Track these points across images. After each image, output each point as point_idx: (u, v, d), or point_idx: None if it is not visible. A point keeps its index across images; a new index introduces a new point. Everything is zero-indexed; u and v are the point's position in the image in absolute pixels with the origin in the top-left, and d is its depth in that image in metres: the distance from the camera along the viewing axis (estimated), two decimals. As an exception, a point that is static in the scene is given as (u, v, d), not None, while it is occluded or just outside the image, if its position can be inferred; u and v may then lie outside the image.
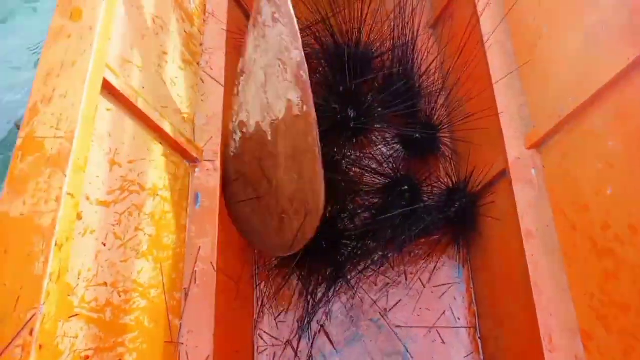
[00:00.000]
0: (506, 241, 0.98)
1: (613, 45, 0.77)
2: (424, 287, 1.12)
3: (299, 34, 0.96)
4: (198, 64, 1.09)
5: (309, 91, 0.96)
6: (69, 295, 0.61)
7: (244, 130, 1.00)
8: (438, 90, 1.24)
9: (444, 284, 1.12)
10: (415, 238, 1.09)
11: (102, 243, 0.68)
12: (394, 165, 1.17)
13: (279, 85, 0.97)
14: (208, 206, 0.93)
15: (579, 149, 0.85)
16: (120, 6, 0.82)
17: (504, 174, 1.00)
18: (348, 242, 1.10)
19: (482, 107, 1.09)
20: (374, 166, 1.18)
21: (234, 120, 1.02)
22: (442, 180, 1.15)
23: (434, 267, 1.14)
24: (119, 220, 0.72)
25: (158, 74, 0.93)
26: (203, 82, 1.08)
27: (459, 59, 1.22)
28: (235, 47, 1.25)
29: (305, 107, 0.95)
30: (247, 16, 1.37)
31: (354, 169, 1.18)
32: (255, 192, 1.00)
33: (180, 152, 0.93)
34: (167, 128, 0.87)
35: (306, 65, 0.96)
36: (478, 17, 1.14)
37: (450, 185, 1.11)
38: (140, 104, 0.81)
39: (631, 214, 0.72)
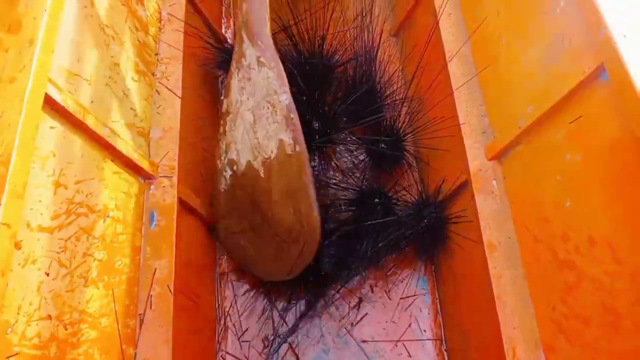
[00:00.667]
0: (469, 252, 0.98)
1: (571, 57, 0.78)
2: (390, 299, 1.11)
3: (285, 77, 0.99)
4: (153, 74, 1.05)
5: (300, 131, 0.98)
6: (7, 334, 0.56)
7: (234, 168, 1.00)
8: (401, 100, 1.23)
9: (409, 296, 1.11)
10: (385, 253, 1.08)
11: (45, 273, 0.63)
12: (362, 177, 1.16)
13: (269, 127, 0.98)
14: (164, 225, 0.89)
15: (539, 161, 0.85)
16: (66, 16, 0.77)
17: (466, 184, 1.00)
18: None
19: (444, 118, 1.09)
20: (338, 179, 1.17)
21: (222, 158, 1.02)
22: (409, 192, 1.14)
23: (399, 279, 1.13)
24: (64, 246, 0.67)
25: (109, 86, 0.88)
26: (159, 93, 1.03)
27: (420, 68, 1.22)
28: (193, 56, 1.21)
29: (297, 147, 0.97)
30: (206, 23, 1.33)
31: (320, 181, 1.16)
32: (250, 224, 1.01)
33: (134, 169, 0.88)
34: (119, 144, 0.83)
35: (294, 106, 0.98)
36: (438, 26, 1.14)
37: (419, 197, 1.10)
38: (88, 120, 0.76)
39: (590, 226, 0.72)
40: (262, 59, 0.97)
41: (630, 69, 0.65)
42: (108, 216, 0.79)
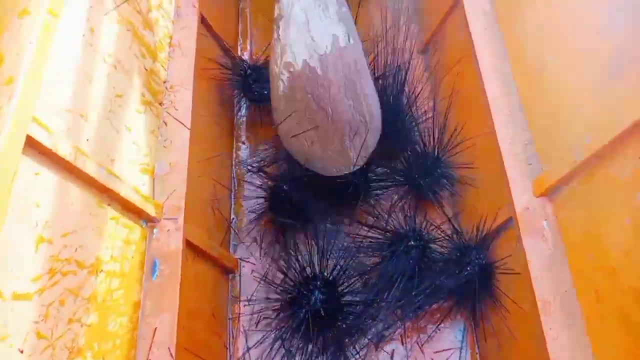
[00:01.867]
0: (518, 301, 0.85)
1: (635, 79, 0.65)
2: (423, 352, 0.98)
3: None
4: (160, 104, 0.97)
5: (353, 24, 1.01)
6: None
7: (291, 69, 1.00)
8: (433, 125, 1.12)
9: (445, 349, 0.98)
10: (425, 306, 0.96)
11: (19, 350, 0.54)
12: (399, 218, 1.04)
13: (321, 24, 0.99)
14: (168, 274, 0.80)
15: (601, 200, 0.72)
16: (60, 45, 0.69)
17: (509, 222, 0.87)
18: (349, 310, 0.97)
19: (482, 146, 0.97)
20: (372, 221, 1.06)
21: (278, 63, 1.01)
22: (448, 234, 1.01)
23: (434, 329, 1.00)
24: (45, 314, 0.58)
25: (109, 121, 0.80)
26: (166, 124, 0.95)
27: (453, 89, 1.10)
28: (206, 81, 1.13)
29: (351, 39, 0.99)
30: (220, 46, 1.25)
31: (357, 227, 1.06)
32: (312, 123, 1.01)
33: (135, 213, 0.80)
34: (117, 186, 0.74)
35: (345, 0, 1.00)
36: (472, 43, 1.02)
37: (460, 241, 0.97)
38: (80, 162, 0.68)
39: (672, 286, 0.59)
40: None
41: None
42: (102, 271, 0.70)
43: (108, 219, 0.74)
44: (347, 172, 1.02)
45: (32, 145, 0.60)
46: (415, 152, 1.09)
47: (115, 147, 0.80)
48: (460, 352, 0.98)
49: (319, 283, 0.95)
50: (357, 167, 1.01)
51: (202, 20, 1.15)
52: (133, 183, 0.80)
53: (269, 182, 1.10)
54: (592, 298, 0.72)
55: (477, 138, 0.99)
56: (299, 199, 1.05)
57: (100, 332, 0.67)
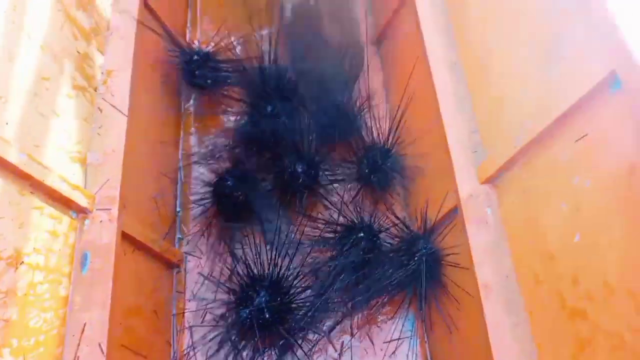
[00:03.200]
0: (462, 289, 0.85)
1: (575, 63, 0.66)
2: (373, 343, 0.97)
3: None
4: (95, 89, 0.91)
5: None
6: None
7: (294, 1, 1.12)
8: (383, 115, 1.11)
9: (395, 339, 0.97)
10: (373, 298, 0.94)
11: None
12: (349, 210, 1.02)
13: None
14: (99, 268, 0.75)
15: (541, 185, 0.73)
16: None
17: (455, 212, 0.87)
18: (296, 308, 0.94)
19: (430, 135, 0.96)
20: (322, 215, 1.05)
21: None
22: (397, 225, 0.99)
23: (384, 319, 0.99)
24: (-49, 309, 0.53)
25: (33, 104, 0.74)
26: (101, 111, 0.90)
27: (404, 80, 1.10)
28: (149, 67, 1.08)
29: None
30: (167, 32, 1.20)
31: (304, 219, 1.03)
32: (313, 47, 1.12)
33: (62, 202, 0.74)
34: (39, 174, 0.69)
35: None
36: (422, 33, 1.02)
37: (408, 232, 0.96)
38: (-2, 148, 0.62)
39: (606, 269, 0.59)
40: None
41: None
42: (22, 263, 0.65)
43: (31, 208, 0.69)
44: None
45: None
46: (366, 144, 1.08)
47: (40, 132, 0.75)
48: (410, 341, 0.97)
49: (265, 283, 0.92)
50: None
51: (145, 5, 1.10)
52: (61, 171, 0.75)
53: (215, 176, 1.07)
54: (532, 282, 0.72)
55: (427, 127, 0.98)
56: (246, 195, 1.01)
57: (20, 327, 0.62)
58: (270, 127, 1.05)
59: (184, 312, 1.00)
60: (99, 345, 0.69)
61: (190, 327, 0.99)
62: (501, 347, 0.71)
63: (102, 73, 0.94)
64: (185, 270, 1.06)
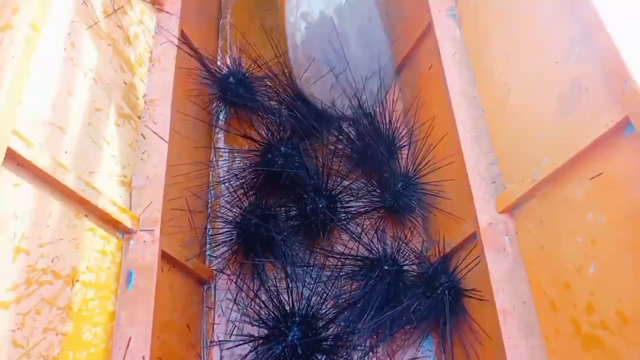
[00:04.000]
0: (481, 313, 0.89)
1: (590, 107, 0.71)
2: (393, 362, 1.02)
3: None
4: (139, 117, 0.98)
5: None
6: None
7: (309, 19, 1.06)
8: (404, 146, 1.17)
9: (414, 359, 1.01)
10: (398, 330, 0.98)
11: (-6, 358, 0.55)
12: (372, 242, 1.06)
13: None
14: (143, 286, 0.81)
15: (557, 218, 0.77)
16: (42, 60, 0.71)
17: (474, 238, 0.92)
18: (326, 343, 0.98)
19: (451, 166, 1.01)
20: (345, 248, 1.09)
21: (294, 12, 1.06)
22: (418, 256, 1.04)
23: (404, 340, 1.03)
24: (21, 323, 0.59)
25: (88, 134, 0.81)
26: (144, 138, 0.97)
27: (424, 111, 1.15)
28: (184, 95, 1.15)
29: None
30: (200, 61, 1.28)
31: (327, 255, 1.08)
32: (332, 71, 1.09)
33: (111, 224, 0.81)
34: (95, 198, 0.75)
35: None
36: (442, 66, 1.08)
37: (430, 264, 1.00)
38: (59, 175, 0.69)
39: (619, 299, 0.64)
40: None
41: (660, 124, 0.58)
42: (77, 281, 0.71)
43: (85, 230, 0.75)
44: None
45: (12, 157, 0.61)
46: (388, 174, 1.12)
47: (94, 159, 0.81)
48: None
49: (296, 319, 0.95)
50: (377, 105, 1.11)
51: (182, 36, 1.17)
52: (110, 195, 0.81)
53: (238, 211, 1.11)
54: (549, 310, 0.76)
55: (447, 158, 1.03)
56: (268, 233, 1.06)
57: (75, 341, 0.68)
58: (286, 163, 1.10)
59: (213, 327, 1.06)
60: (142, 357, 0.75)
61: (220, 342, 1.04)
62: (519, 371, 0.75)
63: (145, 102, 1.01)
64: (215, 287, 1.11)
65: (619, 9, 0.68)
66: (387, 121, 1.17)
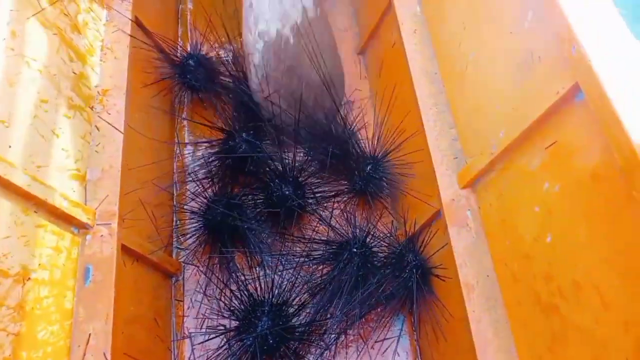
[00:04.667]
0: (447, 289, 0.90)
1: (543, 76, 0.71)
2: (365, 343, 1.02)
3: None
4: (92, 108, 0.95)
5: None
6: None
7: (266, 38, 1.05)
8: (368, 124, 1.16)
9: (386, 339, 1.02)
10: (369, 311, 0.98)
11: None
12: (340, 223, 1.05)
13: None
14: (101, 281, 0.79)
15: (515, 190, 0.77)
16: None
17: (439, 215, 0.92)
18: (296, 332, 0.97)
19: (414, 143, 1.01)
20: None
21: (253, 31, 1.05)
22: (387, 237, 1.03)
23: (373, 319, 1.03)
24: (-35, 325, 0.57)
25: (33, 127, 0.78)
26: (98, 129, 0.94)
27: (388, 89, 1.14)
28: (141, 83, 1.11)
29: (318, 10, 1.07)
30: (158, 48, 1.24)
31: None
32: (288, 88, 1.08)
33: (64, 219, 0.78)
34: (42, 193, 0.73)
35: None
36: (403, 43, 1.07)
37: (398, 245, 1.00)
38: (3, 170, 0.66)
39: (574, 267, 0.64)
40: None
41: (608, 89, 0.57)
42: (29, 279, 0.69)
43: (35, 226, 0.72)
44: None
45: None
46: (354, 155, 1.12)
47: (42, 153, 0.79)
48: (398, 340, 1.01)
49: (265, 308, 0.94)
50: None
51: (137, 22, 1.13)
52: (62, 189, 0.78)
53: (205, 200, 1.09)
54: (510, 281, 0.77)
55: (410, 135, 1.03)
56: (235, 220, 1.04)
57: (29, 340, 0.66)
58: (253, 149, 1.09)
59: (183, 319, 1.04)
60: (104, 354, 0.73)
61: (190, 334, 1.02)
62: (483, 341, 0.75)
63: (98, 92, 0.98)
64: (183, 279, 1.09)
65: None
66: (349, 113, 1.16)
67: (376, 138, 1.09)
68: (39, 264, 0.71)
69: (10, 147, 0.72)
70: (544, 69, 0.71)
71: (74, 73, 0.93)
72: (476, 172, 0.84)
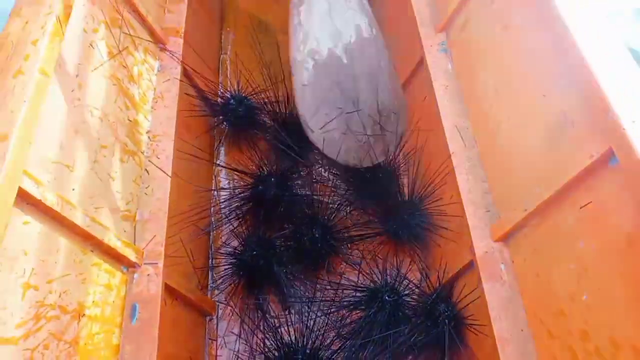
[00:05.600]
0: (478, 342, 0.90)
1: (576, 139, 0.74)
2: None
3: None
4: (143, 152, 1.02)
5: (373, 16, 1.03)
6: None
7: (316, 57, 0.99)
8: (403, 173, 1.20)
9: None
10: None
11: (2, 395, 0.56)
12: (373, 270, 1.07)
13: (345, 13, 1.01)
14: (147, 319, 0.82)
15: (549, 246, 0.79)
16: (50, 102, 0.74)
17: (471, 266, 0.94)
18: None
19: (447, 194, 1.04)
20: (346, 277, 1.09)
21: (301, 49, 0.99)
22: (418, 284, 1.05)
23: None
24: (30, 357, 0.61)
25: (94, 171, 0.84)
26: (148, 173, 1.00)
27: (419, 139, 1.19)
28: (186, 129, 1.18)
29: (374, 30, 1.02)
30: (201, 96, 1.32)
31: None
32: (341, 112, 1.00)
33: (116, 258, 0.83)
34: (100, 233, 0.78)
35: None
36: (436, 100, 1.12)
37: (431, 295, 1.00)
38: (67, 212, 0.72)
39: (612, 326, 0.65)
40: None
41: (642, 156, 0.60)
42: (83, 315, 0.73)
43: (91, 265, 0.77)
44: (382, 161, 1.03)
45: (22, 197, 0.64)
46: (390, 202, 1.14)
47: (99, 195, 0.84)
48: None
49: (299, 357, 0.96)
50: (395, 150, 1.04)
51: (184, 73, 1.21)
52: (115, 230, 0.84)
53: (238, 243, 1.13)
54: (545, 337, 0.78)
55: (443, 186, 1.06)
56: (269, 265, 1.07)
57: (80, 376, 0.69)
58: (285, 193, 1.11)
59: (216, 358, 1.06)
60: (147, 391, 0.76)
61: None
62: (518, 398, 0.76)
63: (149, 138, 1.04)
64: (217, 318, 1.12)
65: (598, 42, 0.72)
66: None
67: (412, 185, 1.12)
68: (93, 301, 0.75)
69: (73, 189, 0.78)
70: (577, 132, 0.75)
71: (129, 120, 1.00)
72: (510, 227, 0.86)
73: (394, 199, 1.13)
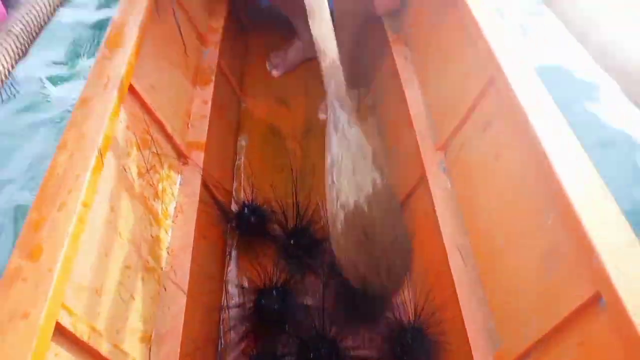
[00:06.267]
0: None
1: (568, 275, 0.79)
2: None
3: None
4: (162, 269, 1.07)
5: (382, 169, 1.22)
6: None
7: (346, 209, 1.15)
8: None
9: None
10: None
11: None
12: None
13: (364, 170, 1.20)
14: None
15: (552, 381, 0.82)
16: (87, 231, 0.81)
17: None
18: None
19: (449, 313, 1.08)
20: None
21: (335, 204, 1.16)
22: None
23: None
24: None
25: (118, 292, 0.90)
26: (165, 289, 1.04)
27: (420, 256, 1.24)
28: (202, 240, 1.24)
29: (385, 180, 1.20)
30: (222, 209, 1.39)
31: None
32: (367, 252, 1.16)
33: (132, 383, 0.86)
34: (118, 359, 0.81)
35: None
36: (437, 218, 1.19)
37: None
38: (93, 341, 0.76)
39: None
40: (351, 121, 1.21)
41: (628, 305, 0.65)
42: None
43: (109, 391, 0.80)
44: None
45: (57, 330, 0.69)
46: (392, 324, 1.18)
47: (120, 317, 0.88)
48: None
49: None
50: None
51: (204, 184, 1.30)
52: (133, 353, 0.87)
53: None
54: None
55: (445, 305, 1.10)
56: None
57: None
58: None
59: None
60: None
61: None
62: None
63: (168, 253, 1.10)
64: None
65: (581, 175, 0.79)
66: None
67: (414, 307, 1.17)
68: None
69: (99, 314, 0.82)
70: (569, 267, 0.80)
71: (152, 237, 1.06)
72: (513, 357, 0.89)
73: (398, 322, 1.17)
